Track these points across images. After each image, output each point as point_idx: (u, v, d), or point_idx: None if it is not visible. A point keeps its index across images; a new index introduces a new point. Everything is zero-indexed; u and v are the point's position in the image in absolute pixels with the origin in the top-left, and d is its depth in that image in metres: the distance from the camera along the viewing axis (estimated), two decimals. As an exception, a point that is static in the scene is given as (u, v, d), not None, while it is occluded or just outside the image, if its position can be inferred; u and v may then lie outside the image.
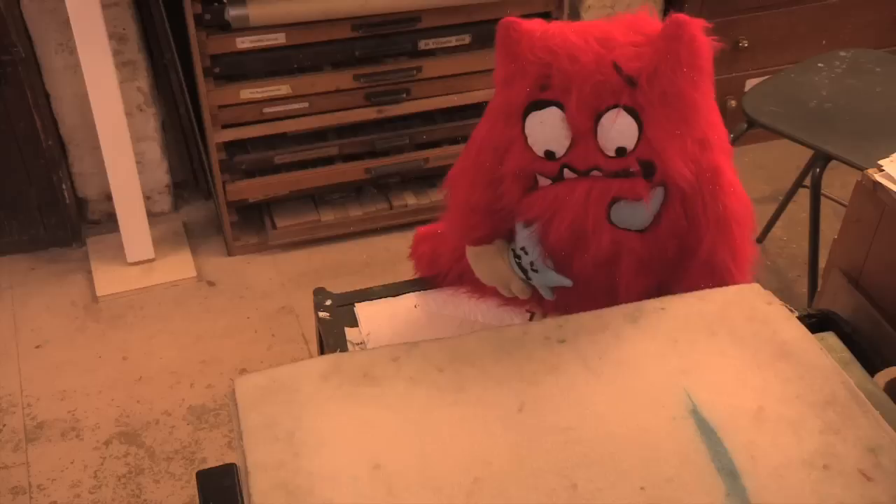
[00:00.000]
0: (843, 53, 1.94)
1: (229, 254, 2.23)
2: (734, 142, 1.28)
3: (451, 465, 0.88)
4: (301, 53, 2.02)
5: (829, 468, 0.87)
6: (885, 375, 1.03)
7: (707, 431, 0.91)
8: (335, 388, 0.96)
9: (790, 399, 0.94)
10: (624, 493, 0.85)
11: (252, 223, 2.28)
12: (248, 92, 2.02)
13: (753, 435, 0.90)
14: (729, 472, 0.87)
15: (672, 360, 0.98)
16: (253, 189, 2.17)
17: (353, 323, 1.22)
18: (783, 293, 1.07)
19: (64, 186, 2.15)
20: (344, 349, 1.18)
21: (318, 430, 0.91)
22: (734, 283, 1.09)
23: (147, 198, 2.26)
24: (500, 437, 0.91)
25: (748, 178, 2.15)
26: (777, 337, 1.01)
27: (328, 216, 2.27)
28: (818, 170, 1.75)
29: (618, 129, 1.00)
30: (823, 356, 0.99)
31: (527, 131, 1.04)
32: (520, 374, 0.98)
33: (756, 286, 1.08)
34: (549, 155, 1.04)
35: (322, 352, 1.27)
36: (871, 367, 1.05)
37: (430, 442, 0.90)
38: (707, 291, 1.07)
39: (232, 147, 2.11)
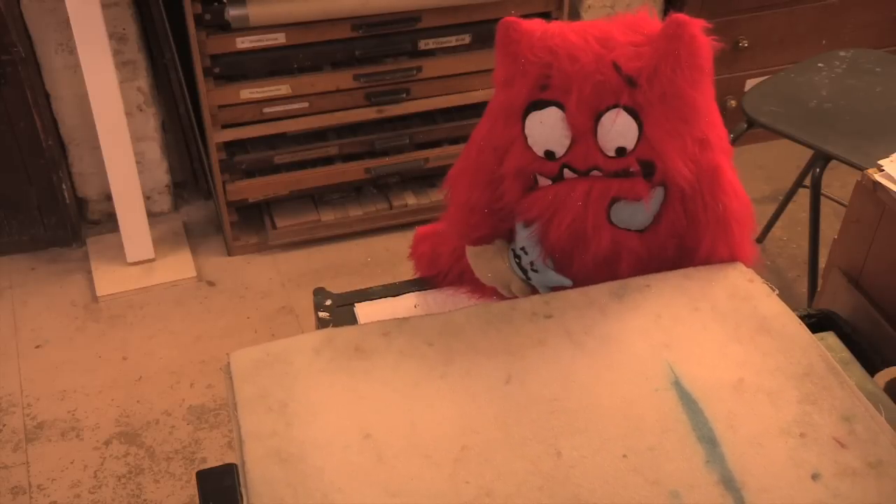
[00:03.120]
0: (843, 53, 1.94)
1: (229, 254, 2.23)
2: (734, 142, 1.28)
3: (439, 434, 0.90)
4: (301, 53, 2.02)
5: (806, 436, 0.89)
6: (885, 375, 1.04)
7: (688, 402, 0.92)
8: (327, 362, 0.97)
9: (769, 371, 0.96)
10: (607, 461, 0.87)
11: (252, 223, 2.28)
12: (248, 92, 2.02)
13: (733, 405, 0.92)
14: (708, 440, 0.89)
15: (655, 335, 1.00)
16: (253, 189, 2.17)
17: (353, 323, 1.22)
18: (783, 293, 1.07)
19: (64, 186, 2.15)
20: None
21: (311, 401, 0.93)
22: (734, 282, 1.09)
23: (147, 198, 2.26)
24: (488, 408, 0.93)
25: (748, 178, 2.15)
26: (758, 312, 1.03)
27: (328, 216, 2.27)
28: (818, 170, 1.75)
29: (618, 129, 1.00)
30: (802, 330, 1.00)
31: (527, 131, 1.04)
32: (507, 348, 0.99)
33: (738, 264, 1.09)
34: (549, 155, 1.04)
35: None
36: (871, 367, 1.05)
37: (419, 412, 0.92)
38: (690, 269, 1.08)
39: (232, 147, 2.11)
